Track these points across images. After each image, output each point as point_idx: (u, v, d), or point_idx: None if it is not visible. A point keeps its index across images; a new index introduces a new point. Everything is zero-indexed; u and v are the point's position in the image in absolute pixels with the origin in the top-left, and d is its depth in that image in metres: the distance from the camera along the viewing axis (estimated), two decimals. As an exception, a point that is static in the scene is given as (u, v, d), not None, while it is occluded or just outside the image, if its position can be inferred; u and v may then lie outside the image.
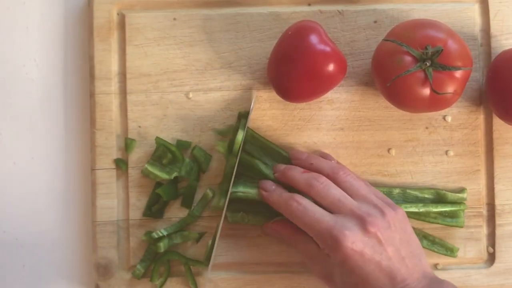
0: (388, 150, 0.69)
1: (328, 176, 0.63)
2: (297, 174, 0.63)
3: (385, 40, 0.63)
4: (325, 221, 0.59)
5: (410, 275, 0.58)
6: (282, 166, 0.65)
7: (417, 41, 0.61)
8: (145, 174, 0.68)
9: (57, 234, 0.70)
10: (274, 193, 0.64)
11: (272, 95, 0.68)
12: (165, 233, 0.67)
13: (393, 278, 0.57)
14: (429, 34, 0.61)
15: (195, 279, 0.68)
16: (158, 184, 0.68)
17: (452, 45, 0.61)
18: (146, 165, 0.68)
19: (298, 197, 0.61)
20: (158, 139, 0.68)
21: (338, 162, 0.67)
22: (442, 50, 0.60)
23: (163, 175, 0.67)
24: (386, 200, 0.62)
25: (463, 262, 0.69)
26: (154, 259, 0.68)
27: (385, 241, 0.58)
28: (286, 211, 0.62)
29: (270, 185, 0.65)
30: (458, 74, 0.61)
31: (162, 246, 0.66)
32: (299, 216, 0.60)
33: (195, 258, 0.68)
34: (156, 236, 0.67)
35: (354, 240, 0.57)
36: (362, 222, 0.58)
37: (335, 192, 0.61)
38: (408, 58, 0.61)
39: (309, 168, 0.64)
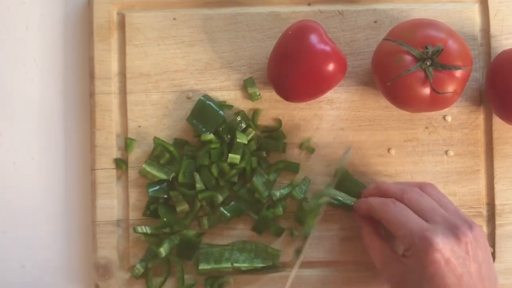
0: (388, 150, 0.69)
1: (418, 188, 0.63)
2: (392, 185, 0.64)
3: (385, 39, 0.63)
4: (418, 222, 0.59)
5: None
6: (375, 183, 0.66)
7: (417, 40, 0.61)
8: (143, 174, 0.68)
9: (57, 234, 0.70)
10: (373, 198, 0.64)
11: (272, 94, 0.68)
12: (148, 231, 0.67)
13: None
14: (429, 33, 0.61)
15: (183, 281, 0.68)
16: (152, 184, 0.68)
17: (452, 44, 0.61)
18: (143, 165, 0.67)
19: (395, 200, 0.61)
20: (156, 139, 0.68)
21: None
22: (442, 49, 0.60)
23: (161, 175, 0.67)
24: (468, 218, 0.62)
25: (463, 262, 0.69)
26: (153, 260, 0.68)
27: (471, 256, 0.57)
28: (381, 210, 0.61)
29: (365, 192, 0.66)
30: (458, 73, 0.61)
31: (163, 251, 0.66)
32: (392, 213, 0.60)
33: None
34: (140, 231, 0.67)
35: (444, 246, 0.57)
36: (455, 230, 0.58)
37: (428, 200, 0.61)
38: (408, 58, 0.61)
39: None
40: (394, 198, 0.62)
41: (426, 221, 0.59)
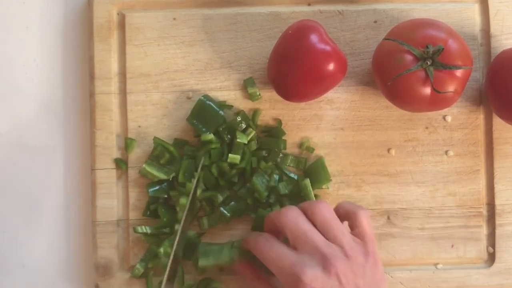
0: (388, 150, 0.69)
1: (305, 210, 0.61)
2: (272, 213, 0.63)
3: (385, 39, 0.63)
4: (288, 257, 0.58)
5: None
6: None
7: (417, 40, 0.61)
8: (143, 174, 0.68)
9: (57, 234, 0.70)
10: (251, 236, 0.63)
11: (272, 94, 0.68)
12: (148, 231, 0.67)
13: None
14: (430, 33, 0.61)
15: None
16: (152, 184, 0.68)
17: (452, 44, 0.61)
18: (143, 165, 0.67)
19: (267, 235, 0.61)
20: (156, 139, 0.68)
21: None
22: (443, 49, 0.60)
23: (161, 175, 0.67)
24: (361, 245, 0.60)
25: (463, 262, 0.69)
26: (153, 260, 0.68)
27: (346, 285, 0.56)
28: (255, 247, 0.61)
29: (253, 235, 0.64)
30: (458, 73, 0.61)
31: (163, 251, 0.66)
32: (265, 252, 0.60)
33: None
34: (140, 231, 0.67)
35: (314, 278, 0.56)
36: (324, 261, 0.57)
37: (304, 226, 0.59)
38: (408, 57, 0.61)
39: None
40: (273, 222, 0.61)
41: (297, 249, 0.58)
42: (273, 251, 0.59)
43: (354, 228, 0.61)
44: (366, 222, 0.60)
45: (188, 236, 0.67)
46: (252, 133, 0.67)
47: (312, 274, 0.56)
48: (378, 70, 0.64)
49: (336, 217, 0.60)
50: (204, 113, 0.67)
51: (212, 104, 0.67)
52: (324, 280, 0.56)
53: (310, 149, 0.68)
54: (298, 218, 0.60)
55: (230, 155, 0.66)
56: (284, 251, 0.59)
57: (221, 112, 0.67)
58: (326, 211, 0.60)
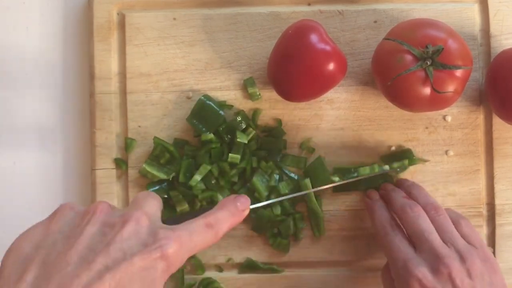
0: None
1: (425, 207, 0.63)
2: (398, 196, 0.64)
3: (385, 39, 0.63)
4: (405, 252, 0.59)
5: None
6: (390, 186, 0.66)
7: (417, 40, 0.61)
8: (143, 174, 0.68)
9: (57, 234, 0.70)
10: (376, 204, 0.65)
11: (272, 94, 0.68)
12: None
13: None
14: (430, 33, 0.61)
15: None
16: (152, 183, 0.68)
17: (452, 44, 0.61)
18: (143, 165, 0.67)
19: (394, 226, 0.62)
20: (156, 139, 0.68)
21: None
22: (443, 49, 0.60)
23: (161, 175, 0.67)
24: (477, 250, 0.59)
25: (463, 262, 0.69)
26: None
27: (461, 287, 0.56)
28: (379, 230, 0.62)
29: (375, 195, 0.66)
30: (458, 73, 0.61)
31: None
32: (387, 238, 0.61)
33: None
34: None
35: (423, 277, 0.56)
36: (436, 261, 0.57)
37: (423, 224, 0.60)
38: (408, 57, 0.61)
39: (408, 195, 0.65)
40: (394, 212, 0.63)
41: (415, 247, 0.59)
42: (394, 242, 0.60)
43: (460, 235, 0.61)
44: (472, 229, 0.62)
45: None
46: (252, 133, 0.67)
47: (423, 272, 0.56)
48: (378, 70, 0.64)
49: (449, 219, 0.62)
50: (204, 113, 0.67)
51: (212, 104, 0.67)
52: (434, 281, 0.56)
53: (311, 149, 0.68)
54: (420, 216, 0.61)
55: (230, 154, 0.66)
56: (404, 245, 0.59)
57: (221, 112, 0.67)
58: (441, 214, 0.61)
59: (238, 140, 0.66)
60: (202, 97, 0.68)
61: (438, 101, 0.62)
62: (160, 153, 0.68)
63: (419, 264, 0.57)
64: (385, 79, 0.62)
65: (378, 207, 0.65)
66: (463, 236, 0.60)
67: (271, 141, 0.68)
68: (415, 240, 0.60)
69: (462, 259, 0.57)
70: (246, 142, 0.67)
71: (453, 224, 0.61)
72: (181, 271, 0.67)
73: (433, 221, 0.61)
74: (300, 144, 0.69)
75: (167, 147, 0.67)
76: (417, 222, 0.60)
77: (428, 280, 0.56)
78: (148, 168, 0.67)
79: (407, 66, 0.61)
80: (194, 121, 0.67)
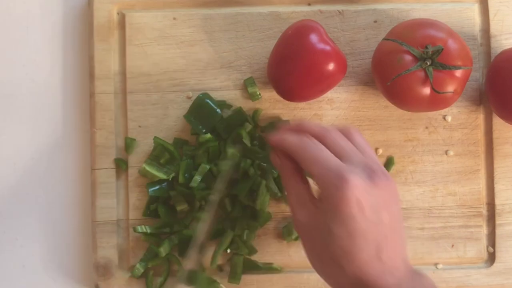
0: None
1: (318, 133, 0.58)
2: (312, 125, 0.59)
3: (385, 39, 0.63)
4: (335, 162, 0.54)
5: (395, 256, 0.53)
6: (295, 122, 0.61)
7: (417, 40, 0.61)
8: (143, 174, 0.68)
9: (57, 234, 0.70)
10: (286, 134, 0.58)
11: (272, 94, 0.68)
12: (148, 231, 0.67)
13: (380, 250, 0.53)
14: (429, 33, 0.61)
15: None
16: (152, 183, 0.68)
17: (452, 44, 0.61)
18: (143, 165, 0.67)
19: (313, 138, 0.57)
20: (156, 139, 0.68)
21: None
22: (442, 49, 0.60)
23: (161, 175, 0.67)
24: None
25: (463, 262, 0.69)
26: (153, 260, 0.68)
27: (384, 205, 0.54)
28: (297, 147, 0.57)
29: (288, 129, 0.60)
30: (458, 73, 0.61)
31: (163, 251, 0.66)
32: (310, 151, 0.56)
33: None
34: (140, 231, 0.67)
35: (359, 186, 0.52)
36: (371, 173, 0.54)
37: (347, 143, 0.57)
38: (408, 57, 0.61)
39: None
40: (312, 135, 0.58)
41: (343, 162, 0.55)
42: (319, 153, 0.55)
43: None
44: (361, 137, 0.59)
45: (188, 235, 0.67)
46: (249, 127, 0.67)
47: (359, 181, 0.53)
48: (378, 70, 0.64)
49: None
50: (202, 111, 0.67)
51: (210, 103, 0.67)
52: (367, 191, 0.53)
53: None
54: (341, 137, 0.57)
55: (229, 150, 0.66)
56: (332, 156, 0.55)
57: (218, 110, 0.67)
58: (358, 136, 0.58)
59: (243, 141, 0.66)
60: (201, 95, 0.68)
61: (438, 101, 0.62)
62: (160, 153, 0.68)
63: (354, 173, 0.53)
64: (385, 79, 0.62)
65: (290, 135, 0.58)
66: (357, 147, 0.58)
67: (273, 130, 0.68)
68: (343, 157, 0.55)
69: (386, 177, 0.55)
70: (249, 145, 0.67)
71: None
72: (167, 266, 0.67)
73: (352, 140, 0.58)
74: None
75: (167, 147, 0.67)
76: (340, 141, 0.57)
77: (362, 189, 0.53)
78: (148, 168, 0.67)
79: (406, 66, 0.61)
80: (192, 118, 0.67)
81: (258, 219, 0.67)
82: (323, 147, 0.56)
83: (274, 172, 0.67)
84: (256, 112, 0.68)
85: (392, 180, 0.56)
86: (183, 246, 0.67)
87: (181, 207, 0.67)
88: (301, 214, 0.56)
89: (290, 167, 0.58)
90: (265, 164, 0.67)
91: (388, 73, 0.62)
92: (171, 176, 0.67)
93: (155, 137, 0.68)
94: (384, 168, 0.56)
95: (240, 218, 0.67)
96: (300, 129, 0.59)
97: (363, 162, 0.55)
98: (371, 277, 0.52)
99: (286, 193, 0.59)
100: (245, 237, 0.67)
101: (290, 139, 0.58)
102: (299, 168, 0.58)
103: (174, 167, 0.68)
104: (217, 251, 0.67)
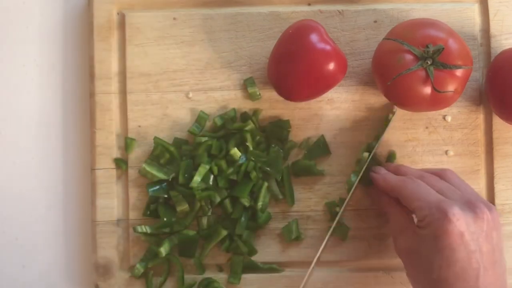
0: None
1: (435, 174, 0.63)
2: (411, 168, 0.64)
3: (386, 39, 0.63)
4: (436, 195, 0.58)
5: (493, 284, 0.55)
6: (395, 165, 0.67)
7: (417, 40, 0.61)
8: (143, 174, 0.68)
9: (57, 234, 0.70)
10: (388, 175, 0.64)
11: (272, 94, 0.68)
12: (148, 231, 0.67)
13: (477, 277, 0.55)
14: (430, 33, 0.61)
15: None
16: (152, 183, 0.68)
17: (452, 44, 0.61)
18: (143, 165, 0.67)
19: (414, 177, 0.61)
20: (156, 139, 0.68)
21: None
22: (443, 48, 0.60)
23: (161, 175, 0.67)
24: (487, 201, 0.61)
25: (463, 262, 0.69)
26: (153, 260, 0.68)
27: (486, 236, 0.56)
28: (398, 186, 0.61)
29: (382, 169, 0.66)
30: (458, 72, 0.61)
31: (163, 251, 0.66)
32: (411, 188, 0.59)
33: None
34: (140, 231, 0.67)
35: (460, 218, 0.55)
36: (472, 207, 0.57)
37: (444, 183, 0.61)
38: (409, 57, 0.61)
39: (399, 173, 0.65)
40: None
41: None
42: (420, 189, 0.59)
43: None
44: (459, 179, 0.63)
45: (188, 235, 0.67)
46: (250, 125, 0.67)
47: (460, 212, 0.55)
48: (378, 70, 0.64)
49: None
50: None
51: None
52: (469, 222, 0.56)
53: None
54: (439, 181, 0.61)
55: (232, 151, 0.66)
56: (433, 191, 0.59)
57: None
58: (455, 176, 0.62)
59: (247, 144, 0.66)
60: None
61: (438, 100, 0.62)
62: (160, 153, 0.68)
63: (455, 205, 0.56)
64: (385, 79, 0.62)
65: (389, 175, 0.64)
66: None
67: (275, 130, 0.68)
68: (443, 193, 0.59)
69: (490, 208, 0.58)
70: (251, 148, 0.67)
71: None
72: (181, 271, 0.67)
73: (450, 180, 0.62)
74: (300, 144, 0.69)
75: (167, 147, 0.67)
76: (438, 182, 0.61)
77: (463, 221, 0.55)
78: (148, 168, 0.67)
79: (407, 66, 0.61)
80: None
81: (258, 219, 0.67)
82: (422, 183, 0.60)
83: (278, 175, 0.67)
84: (256, 112, 0.68)
85: (494, 211, 0.58)
86: (183, 246, 0.67)
87: (181, 207, 0.67)
88: (401, 240, 0.60)
89: (388, 199, 0.63)
90: (268, 168, 0.67)
91: (389, 72, 0.62)
92: (171, 176, 0.67)
93: (155, 137, 0.68)
94: (485, 200, 0.59)
95: (240, 219, 0.67)
96: (399, 171, 0.64)
97: (463, 197, 0.58)
98: None
99: (388, 218, 0.63)
100: (245, 237, 0.67)
101: (392, 179, 0.62)
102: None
103: (174, 167, 0.68)
104: (206, 247, 0.67)
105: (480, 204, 0.57)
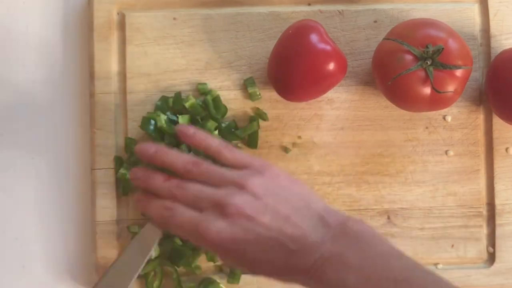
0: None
1: (182, 173, 0.58)
2: (158, 183, 0.59)
3: (385, 39, 0.63)
4: (191, 219, 0.54)
5: (305, 229, 0.52)
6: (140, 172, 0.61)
7: (417, 40, 0.61)
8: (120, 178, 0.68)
9: (57, 234, 0.70)
10: (144, 201, 0.59)
11: (273, 94, 0.68)
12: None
13: (283, 244, 0.52)
14: (430, 33, 0.61)
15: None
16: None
17: (452, 44, 0.61)
18: (120, 170, 0.67)
19: (168, 203, 0.57)
20: (128, 139, 0.68)
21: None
22: (443, 48, 0.60)
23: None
24: (254, 163, 0.57)
25: (463, 262, 0.69)
26: (146, 264, 0.67)
27: (255, 214, 0.53)
28: (163, 222, 0.57)
29: (143, 195, 0.60)
30: (458, 73, 0.61)
31: (153, 253, 0.66)
32: (172, 223, 0.56)
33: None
34: (133, 231, 0.67)
35: (219, 229, 0.52)
36: (221, 208, 0.53)
37: (193, 188, 0.56)
38: (408, 57, 0.61)
39: (162, 164, 0.59)
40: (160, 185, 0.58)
41: (200, 210, 0.55)
42: (178, 219, 0.55)
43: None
44: (234, 151, 0.58)
45: (176, 246, 0.67)
46: (214, 125, 0.66)
47: (215, 226, 0.53)
48: (378, 70, 0.64)
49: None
50: None
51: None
52: (229, 225, 0.53)
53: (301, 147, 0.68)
54: (187, 186, 0.57)
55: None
56: (187, 214, 0.55)
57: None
58: (202, 165, 0.58)
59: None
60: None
61: (438, 101, 0.62)
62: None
63: (207, 221, 0.53)
64: (385, 79, 0.62)
65: (153, 204, 0.58)
66: (232, 164, 0.58)
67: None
68: (197, 206, 0.55)
69: (240, 188, 0.54)
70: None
71: (217, 155, 0.58)
72: (175, 274, 0.67)
73: (200, 176, 0.57)
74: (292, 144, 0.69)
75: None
76: (187, 192, 0.56)
77: (226, 230, 0.52)
78: (125, 172, 0.67)
79: (407, 66, 0.61)
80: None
81: None
82: (178, 208, 0.56)
83: None
84: (257, 111, 0.68)
85: (253, 179, 0.55)
86: (176, 253, 0.67)
87: None
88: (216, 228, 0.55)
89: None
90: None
91: (389, 73, 0.62)
92: None
93: (126, 137, 0.68)
94: (239, 174, 0.56)
95: None
96: (149, 179, 0.59)
97: (212, 199, 0.54)
98: (297, 260, 0.52)
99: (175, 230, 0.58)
100: None
101: (152, 212, 0.58)
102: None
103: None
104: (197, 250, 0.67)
105: (227, 196, 0.54)
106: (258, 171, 0.56)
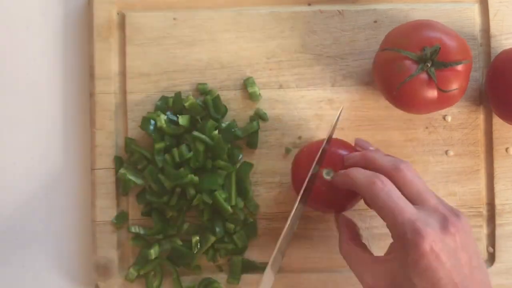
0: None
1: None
2: (380, 156, 0.59)
3: (382, 49, 0.63)
4: (408, 212, 0.54)
5: None
6: (358, 153, 0.61)
7: (413, 44, 0.61)
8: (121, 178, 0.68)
9: (57, 234, 0.70)
10: (356, 170, 0.58)
11: (272, 94, 0.68)
12: (141, 232, 0.67)
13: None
14: (424, 35, 0.61)
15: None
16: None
17: (448, 41, 0.61)
18: (121, 170, 0.67)
19: (383, 178, 0.56)
20: (128, 140, 0.68)
21: None
22: (440, 48, 0.60)
23: (138, 180, 0.67)
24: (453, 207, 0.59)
25: (463, 262, 0.69)
26: (146, 264, 0.67)
27: (461, 247, 0.55)
28: (368, 190, 0.56)
29: (354, 161, 0.60)
30: (460, 68, 0.61)
31: (153, 253, 0.66)
32: (382, 199, 0.55)
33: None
34: (133, 231, 0.67)
35: (436, 239, 0.53)
36: (444, 221, 0.55)
37: (421, 182, 0.57)
38: (408, 63, 0.61)
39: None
40: (382, 172, 0.57)
41: (417, 206, 0.56)
42: (391, 200, 0.55)
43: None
44: (412, 175, 0.58)
45: (176, 246, 0.67)
46: (214, 125, 0.66)
47: (433, 234, 0.53)
48: (381, 82, 0.64)
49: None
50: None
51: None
52: (442, 240, 0.54)
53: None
54: (416, 174, 0.57)
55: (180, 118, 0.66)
56: (403, 202, 0.55)
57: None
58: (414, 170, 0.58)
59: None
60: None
61: (445, 99, 0.62)
62: (138, 159, 0.68)
63: (428, 224, 0.54)
64: (389, 88, 0.62)
65: (358, 170, 0.58)
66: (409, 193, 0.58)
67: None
68: (416, 200, 0.56)
69: (458, 217, 0.56)
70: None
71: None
72: (175, 273, 0.67)
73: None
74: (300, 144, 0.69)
75: (141, 151, 0.67)
76: (414, 179, 0.57)
77: (437, 241, 0.53)
78: (127, 174, 0.67)
79: (408, 72, 0.60)
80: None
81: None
82: (394, 191, 0.56)
83: None
84: (257, 111, 0.68)
85: (462, 217, 0.56)
86: (176, 252, 0.67)
87: (171, 213, 0.67)
88: (368, 277, 0.57)
89: (349, 235, 0.60)
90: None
91: (392, 82, 0.61)
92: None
93: (126, 137, 0.68)
94: (450, 206, 0.57)
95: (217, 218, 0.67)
96: (366, 160, 0.59)
97: (436, 207, 0.56)
98: None
99: (348, 260, 0.60)
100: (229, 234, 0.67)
101: (359, 180, 0.57)
102: (357, 234, 0.61)
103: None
104: (198, 251, 0.67)
105: (451, 216, 0.55)
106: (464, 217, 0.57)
